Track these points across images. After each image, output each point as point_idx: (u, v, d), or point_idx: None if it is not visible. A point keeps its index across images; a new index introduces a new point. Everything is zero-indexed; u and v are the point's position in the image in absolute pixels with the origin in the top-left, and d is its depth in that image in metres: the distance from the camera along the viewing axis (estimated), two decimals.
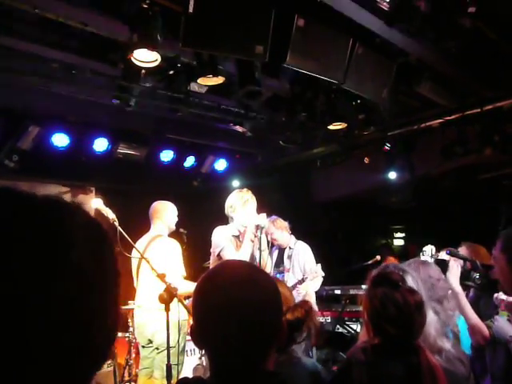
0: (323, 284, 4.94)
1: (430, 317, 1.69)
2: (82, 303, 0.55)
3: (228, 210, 3.65)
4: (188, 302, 4.64)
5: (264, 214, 3.43)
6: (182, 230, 5.48)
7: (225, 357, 1.07)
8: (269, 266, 3.57)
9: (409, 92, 4.53)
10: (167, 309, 2.52)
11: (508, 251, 2.10)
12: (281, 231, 4.71)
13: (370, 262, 5.70)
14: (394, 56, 3.96)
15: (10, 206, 0.56)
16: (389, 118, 4.90)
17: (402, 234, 9.06)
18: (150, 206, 4.12)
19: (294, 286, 4.46)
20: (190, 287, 3.93)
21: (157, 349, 3.71)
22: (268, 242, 3.49)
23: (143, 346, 3.82)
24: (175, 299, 2.61)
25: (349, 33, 3.59)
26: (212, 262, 3.64)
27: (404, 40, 3.57)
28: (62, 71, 3.76)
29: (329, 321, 5.72)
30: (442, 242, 4.19)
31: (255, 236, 3.42)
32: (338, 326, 5.61)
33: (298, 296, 4.24)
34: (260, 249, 3.36)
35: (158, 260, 3.51)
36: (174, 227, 4.06)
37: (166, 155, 5.88)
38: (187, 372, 4.23)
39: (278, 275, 4.75)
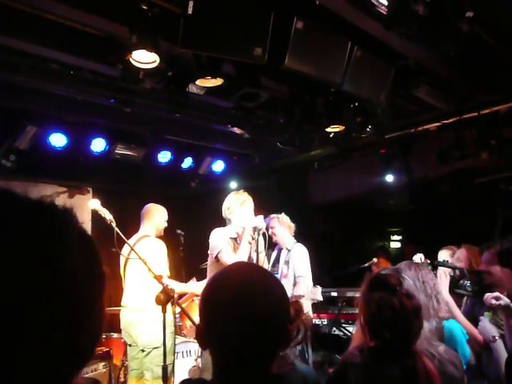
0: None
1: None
2: (70, 304, 0.57)
3: (225, 211, 3.65)
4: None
5: (261, 216, 3.44)
6: (179, 231, 5.50)
7: (230, 359, 1.07)
8: (266, 268, 3.57)
9: (406, 95, 4.55)
10: (164, 310, 2.51)
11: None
12: (282, 228, 4.69)
13: (366, 265, 5.71)
14: (392, 59, 3.98)
15: (3, 210, 0.58)
16: (386, 120, 4.92)
17: (399, 237, 9.08)
18: (144, 207, 4.17)
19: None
20: (176, 287, 3.96)
21: (142, 351, 3.72)
22: (265, 243, 3.48)
23: (130, 345, 3.84)
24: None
25: (347, 36, 3.60)
26: (209, 264, 3.63)
27: (402, 43, 3.58)
28: (61, 71, 3.75)
29: (325, 323, 5.72)
30: (438, 245, 4.22)
31: (253, 238, 3.42)
32: (334, 329, 5.60)
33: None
34: (257, 251, 3.35)
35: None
36: (162, 230, 4.10)
37: (164, 156, 5.87)
38: (182, 373, 4.22)
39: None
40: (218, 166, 6.56)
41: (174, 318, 3.81)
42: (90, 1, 3.15)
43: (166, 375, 2.48)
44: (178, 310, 4.34)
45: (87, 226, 6.09)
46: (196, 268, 5.17)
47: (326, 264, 5.26)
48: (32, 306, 0.53)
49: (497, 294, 2.32)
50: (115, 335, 4.51)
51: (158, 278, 2.60)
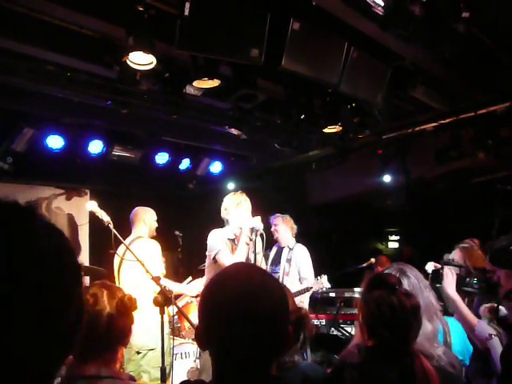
0: None
1: (423, 322, 1.68)
2: (46, 295, 0.59)
3: (223, 212, 3.66)
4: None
5: (259, 217, 3.44)
6: (177, 232, 5.50)
7: (228, 360, 1.06)
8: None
9: (403, 96, 4.55)
10: (162, 312, 2.51)
11: None
12: (285, 228, 4.84)
13: (364, 265, 5.72)
14: (389, 60, 3.98)
15: None
16: (383, 121, 4.92)
17: (397, 237, 9.09)
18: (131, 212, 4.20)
19: (299, 293, 4.50)
20: (172, 287, 3.95)
21: (138, 353, 3.72)
22: (263, 244, 3.49)
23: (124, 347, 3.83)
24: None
25: (344, 36, 3.61)
26: (207, 265, 3.64)
27: (398, 44, 3.59)
28: (57, 73, 3.74)
29: (324, 324, 5.73)
30: (435, 245, 4.22)
31: (250, 239, 3.42)
32: (332, 329, 5.61)
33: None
34: (255, 252, 3.36)
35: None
36: (154, 230, 4.13)
37: (161, 157, 5.87)
38: (181, 375, 4.22)
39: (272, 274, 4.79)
40: (216, 167, 6.56)
41: (173, 318, 3.80)
42: (87, 2, 3.15)
43: (165, 377, 2.48)
44: (175, 310, 4.34)
45: (85, 227, 6.09)
46: (194, 269, 5.17)
47: (323, 264, 5.26)
48: (6, 295, 0.55)
49: (493, 305, 2.34)
50: None
51: (156, 280, 2.59)
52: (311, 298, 5.05)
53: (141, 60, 3.19)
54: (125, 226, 3.87)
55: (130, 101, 4.16)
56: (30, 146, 4.85)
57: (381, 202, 7.17)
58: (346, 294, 5.50)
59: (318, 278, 4.75)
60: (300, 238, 5.21)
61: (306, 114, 4.47)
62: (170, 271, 6.04)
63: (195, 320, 3.47)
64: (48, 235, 0.64)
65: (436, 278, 2.69)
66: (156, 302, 2.49)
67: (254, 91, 4.13)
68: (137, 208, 4.21)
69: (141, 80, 3.65)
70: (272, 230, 4.86)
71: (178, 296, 4.76)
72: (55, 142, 4.99)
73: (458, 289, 2.59)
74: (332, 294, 5.78)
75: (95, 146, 5.26)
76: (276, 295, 1.10)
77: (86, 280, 5.15)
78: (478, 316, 2.53)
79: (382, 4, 2.98)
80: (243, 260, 3.42)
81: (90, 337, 1.46)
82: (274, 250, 5.01)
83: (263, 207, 3.96)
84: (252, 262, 3.36)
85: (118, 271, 3.93)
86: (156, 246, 3.89)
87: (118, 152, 5.43)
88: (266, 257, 4.59)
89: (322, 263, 5.26)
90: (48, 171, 5.39)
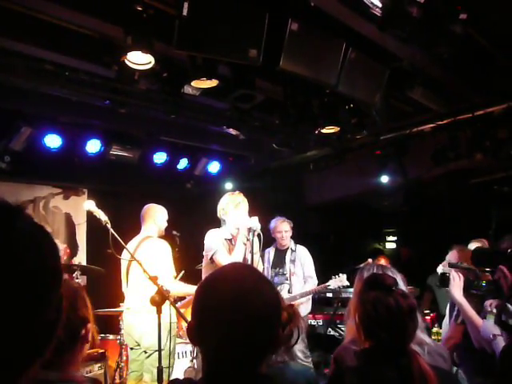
0: None
1: None
2: (23, 296, 0.60)
3: (220, 212, 3.66)
4: (180, 303, 4.66)
5: (256, 217, 3.44)
6: (174, 232, 5.48)
7: (218, 358, 1.08)
8: (260, 269, 3.58)
9: (401, 97, 4.57)
10: (159, 311, 2.51)
11: None
12: (291, 231, 4.97)
13: (361, 265, 5.71)
14: (387, 61, 3.99)
15: None
16: (381, 122, 4.94)
17: (394, 238, 9.10)
18: (143, 207, 4.14)
19: (317, 291, 4.79)
20: (181, 288, 3.94)
21: (145, 352, 3.71)
22: (260, 244, 3.49)
23: (131, 348, 3.82)
24: (167, 301, 2.61)
25: (342, 37, 3.62)
26: (204, 266, 3.64)
27: (396, 45, 3.60)
28: (56, 72, 3.75)
29: (321, 324, 5.74)
30: (433, 246, 4.23)
31: (247, 239, 3.42)
32: (329, 329, 5.62)
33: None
34: (252, 252, 3.36)
35: (147, 261, 3.52)
36: (163, 230, 4.07)
37: (159, 157, 5.87)
38: (178, 374, 4.22)
39: (276, 277, 4.83)
40: (214, 167, 6.56)
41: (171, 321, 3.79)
42: (85, 2, 3.15)
43: (162, 377, 2.48)
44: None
45: (82, 226, 6.09)
46: (191, 269, 5.17)
47: (320, 264, 5.27)
48: None
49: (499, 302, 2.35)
50: (111, 337, 4.52)
51: (153, 279, 2.60)
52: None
53: (139, 60, 3.19)
54: (123, 226, 3.86)
55: (128, 100, 4.16)
56: (28, 144, 4.85)
57: (378, 203, 7.19)
58: (343, 295, 5.50)
59: (337, 276, 4.88)
60: (298, 238, 5.22)
61: (304, 114, 4.48)
62: None
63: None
64: (29, 236, 0.64)
65: (443, 281, 2.69)
66: (153, 302, 2.50)
67: (252, 91, 4.14)
68: (149, 205, 4.09)
69: (139, 80, 3.65)
70: (282, 235, 4.93)
71: (183, 297, 4.76)
72: (53, 141, 4.99)
73: (467, 292, 2.58)
74: (329, 295, 5.79)
75: (93, 146, 5.25)
76: (268, 295, 1.11)
77: (84, 279, 5.15)
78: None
79: (380, 5, 2.99)
80: (240, 260, 3.42)
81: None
82: (273, 251, 5.02)
83: (261, 207, 3.97)
84: (249, 262, 3.37)
85: (127, 273, 3.88)
86: (167, 247, 3.85)
87: (115, 151, 5.43)
88: (262, 257, 4.60)
89: (320, 263, 5.27)
90: (46, 170, 5.39)
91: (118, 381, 4.44)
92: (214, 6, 3.07)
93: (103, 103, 4.21)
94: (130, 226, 4.16)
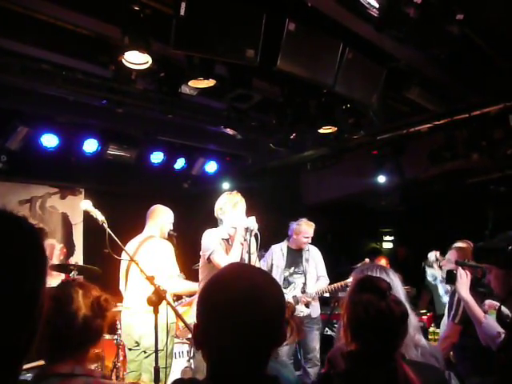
0: None
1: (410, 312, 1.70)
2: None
3: (217, 212, 3.65)
4: (184, 300, 4.67)
5: (253, 217, 3.44)
6: (171, 232, 5.48)
7: (224, 359, 1.07)
8: None
9: (398, 97, 4.57)
10: (156, 311, 2.51)
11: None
12: None
13: (359, 265, 5.72)
14: (384, 61, 4.00)
15: None
16: (378, 122, 4.95)
17: (391, 237, 9.11)
18: (140, 207, 4.17)
19: (336, 288, 4.88)
20: (186, 286, 3.95)
21: (144, 352, 3.71)
22: (257, 244, 3.49)
23: (130, 349, 3.81)
24: (163, 302, 2.61)
25: (339, 38, 3.62)
26: (201, 266, 3.63)
27: (393, 45, 3.61)
28: (52, 72, 3.74)
29: None
30: (430, 245, 4.25)
31: (245, 239, 3.42)
32: (326, 329, 5.63)
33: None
34: (249, 252, 3.36)
35: (149, 261, 3.52)
36: (166, 233, 4.07)
37: (157, 157, 5.86)
38: (175, 374, 4.22)
39: (291, 276, 4.96)
40: (211, 166, 6.56)
41: (173, 321, 3.78)
42: (82, 1, 3.14)
43: (158, 377, 2.48)
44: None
45: (79, 226, 6.08)
46: (188, 269, 5.17)
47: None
48: None
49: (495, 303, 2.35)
50: (107, 336, 4.50)
51: (150, 279, 2.59)
52: None
53: (136, 59, 3.19)
54: (119, 226, 3.84)
55: (125, 100, 4.15)
56: (25, 144, 4.84)
57: (375, 202, 7.20)
58: (340, 294, 5.51)
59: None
60: None
61: (301, 114, 4.49)
62: None
63: (189, 320, 3.46)
64: (16, 235, 0.65)
65: (450, 279, 2.69)
66: (150, 302, 2.49)
67: (249, 91, 4.14)
68: (155, 205, 4.12)
69: (136, 79, 3.65)
70: (308, 240, 4.97)
71: (180, 297, 4.76)
72: (50, 140, 4.98)
73: (473, 290, 2.58)
74: (326, 294, 5.79)
75: (90, 145, 5.25)
76: (274, 295, 1.11)
77: (80, 279, 5.14)
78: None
79: (377, 6, 2.99)
80: (238, 260, 3.42)
81: (64, 336, 1.47)
82: (285, 250, 5.02)
83: (258, 207, 3.97)
84: (246, 262, 3.37)
85: (127, 272, 3.88)
86: (169, 246, 3.87)
87: (112, 151, 5.42)
88: (260, 257, 4.60)
89: (322, 266, 5.28)
90: (42, 170, 5.38)
91: (114, 381, 4.44)
92: (211, 6, 3.07)
93: (100, 103, 4.21)
94: (126, 225, 4.15)
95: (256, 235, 3.43)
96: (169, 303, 2.70)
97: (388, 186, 6.43)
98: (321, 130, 4.77)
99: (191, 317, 3.73)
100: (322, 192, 7.29)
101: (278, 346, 1.13)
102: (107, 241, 3.00)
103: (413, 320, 1.79)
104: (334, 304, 5.73)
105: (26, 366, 2.36)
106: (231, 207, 3.60)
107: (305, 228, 4.97)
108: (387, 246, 9.07)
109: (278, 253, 5.02)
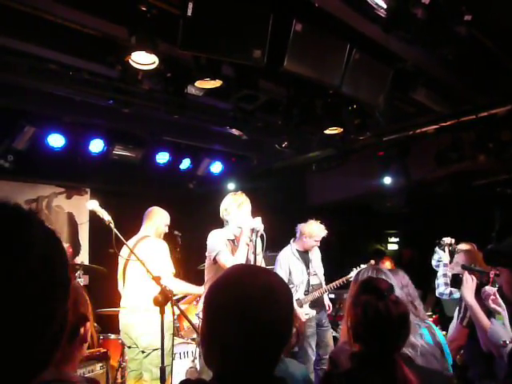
0: None
1: None
2: (30, 308, 0.58)
3: (223, 213, 3.65)
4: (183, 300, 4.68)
5: (259, 218, 3.43)
6: (176, 232, 5.49)
7: (231, 359, 1.06)
8: None
9: (404, 98, 4.55)
10: (162, 311, 2.51)
11: None
12: None
13: (364, 267, 5.71)
14: (391, 62, 3.99)
15: None
16: (384, 123, 4.93)
17: (396, 239, 9.09)
18: (146, 207, 4.19)
19: (338, 284, 4.91)
20: (181, 287, 3.96)
21: (142, 352, 3.73)
22: (263, 245, 3.48)
23: (129, 347, 3.84)
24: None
25: (346, 38, 3.61)
26: (207, 266, 3.63)
27: (400, 46, 3.59)
28: (59, 72, 3.75)
29: None
30: (435, 247, 4.22)
31: (250, 240, 3.41)
32: (332, 331, 5.60)
33: None
34: (255, 253, 3.35)
35: (145, 261, 3.53)
36: (162, 233, 4.10)
37: (162, 157, 5.87)
38: (180, 375, 4.22)
39: (310, 277, 5.00)
40: (216, 167, 6.56)
41: (173, 319, 3.81)
42: (90, 2, 3.15)
43: (164, 376, 2.48)
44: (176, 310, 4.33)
45: (85, 226, 6.09)
46: (193, 269, 5.17)
47: (323, 266, 5.27)
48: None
49: (494, 296, 2.33)
50: (112, 336, 4.51)
51: (157, 280, 2.59)
52: None
53: (143, 60, 3.19)
54: (125, 225, 3.86)
55: (131, 100, 4.16)
56: (31, 144, 4.86)
57: (381, 204, 7.17)
58: (345, 296, 5.50)
59: (358, 267, 4.89)
60: None
61: (307, 115, 4.48)
62: None
63: (195, 320, 3.46)
64: (42, 244, 0.62)
65: (456, 283, 2.69)
66: (156, 302, 2.49)
67: (255, 92, 4.13)
68: (153, 208, 4.16)
69: (143, 80, 3.65)
70: (314, 244, 4.98)
71: (186, 296, 4.77)
72: (56, 140, 5.00)
73: (479, 295, 2.57)
74: (331, 296, 5.79)
75: (96, 145, 5.26)
76: (283, 295, 1.10)
77: (86, 279, 5.15)
78: None
79: (385, 6, 2.98)
80: (243, 261, 3.41)
81: None
82: (297, 254, 5.01)
83: (263, 208, 3.96)
84: (252, 262, 3.36)
85: (124, 272, 3.91)
86: (164, 245, 3.89)
87: (118, 151, 5.43)
88: (266, 258, 4.59)
89: (322, 264, 5.27)
90: (49, 170, 5.39)
91: (119, 380, 4.45)
92: (218, 7, 3.07)
93: (107, 103, 4.21)
94: (132, 225, 4.16)
95: (262, 236, 3.42)
96: (175, 303, 2.70)
97: (394, 188, 6.40)
98: (327, 131, 4.76)
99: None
100: (327, 193, 7.28)
101: (287, 349, 1.13)
102: (114, 240, 3.01)
103: (412, 320, 1.80)
104: (339, 305, 5.71)
105: None
106: (236, 208, 3.59)
107: (318, 232, 4.93)
108: (392, 247, 9.04)
109: (292, 258, 4.97)
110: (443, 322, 4.68)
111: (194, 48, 3.16)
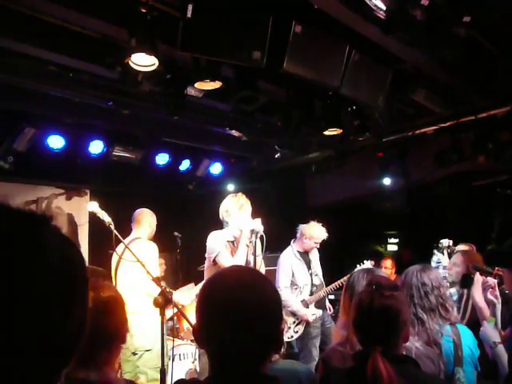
0: None
1: None
2: (47, 308, 0.60)
3: (223, 214, 3.65)
4: None
5: (259, 219, 3.44)
6: (176, 233, 5.50)
7: (222, 359, 1.09)
8: (262, 271, 3.57)
9: (404, 99, 4.56)
10: (162, 313, 2.51)
11: None
12: None
13: (363, 267, 5.71)
14: (390, 63, 3.99)
15: None
16: (384, 124, 4.93)
17: (396, 240, 9.09)
18: (136, 211, 4.19)
19: (338, 286, 4.90)
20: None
21: (134, 353, 3.72)
22: (262, 247, 3.48)
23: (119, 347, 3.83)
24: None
25: (345, 40, 3.62)
26: (207, 267, 3.63)
27: (400, 48, 3.59)
28: (59, 73, 3.75)
29: None
30: (435, 248, 4.23)
31: (250, 241, 3.42)
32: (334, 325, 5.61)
33: None
34: (255, 254, 3.35)
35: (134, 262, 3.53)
36: (152, 234, 4.11)
37: (162, 158, 5.87)
38: (180, 376, 4.22)
39: (314, 278, 5.02)
40: (216, 168, 6.56)
41: (172, 320, 3.81)
42: (90, 3, 3.15)
43: (164, 378, 2.48)
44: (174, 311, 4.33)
45: (84, 227, 6.09)
46: (193, 270, 5.17)
47: (322, 267, 5.27)
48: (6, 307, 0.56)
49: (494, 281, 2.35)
50: None
51: (157, 281, 2.60)
52: None
53: (143, 61, 3.19)
54: (125, 227, 3.87)
55: (131, 102, 4.16)
56: (31, 145, 4.86)
57: (380, 205, 7.18)
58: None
59: (361, 263, 5.00)
60: None
61: (307, 116, 4.48)
62: (169, 272, 6.04)
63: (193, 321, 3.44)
64: (58, 248, 0.64)
65: (465, 283, 2.68)
66: (156, 303, 2.49)
67: (255, 93, 4.14)
68: (143, 209, 4.18)
69: (142, 81, 3.66)
70: (314, 246, 5.00)
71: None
72: (56, 141, 5.00)
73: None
74: (331, 297, 5.78)
75: (96, 147, 5.26)
76: (269, 296, 1.13)
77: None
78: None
79: (384, 8, 2.98)
80: (243, 262, 3.42)
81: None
82: (299, 255, 5.02)
83: (263, 209, 3.96)
84: (252, 264, 3.36)
85: (116, 271, 3.92)
86: (154, 248, 3.90)
87: (118, 152, 5.44)
88: (266, 259, 4.60)
89: (321, 265, 5.27)
90: (49, 171, 5.40)
91: None
92: (218, 8, 3.08)
93: (106, 104, 4.22)
94: (131, 226, 4.17)
95: (261, 237, 3.42)
96: (175, 305, 2.70)
97: (393, 189, 6.40)
98: (326, 132, 4.76)
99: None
100: (326, 194, 7.28)
101: (278, 347, 1.15)
102: (114, 242, 3.01)
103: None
104: (339, 306, 5.70)
105: None
106: (237, 209, 3.59)
107: (318, 235, 4.95)
108: (392, 248, 9.04)
109: (294, 259, 4.98)
110: None
111: (194, 49, 3.17)
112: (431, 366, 1.86)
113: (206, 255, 3.59)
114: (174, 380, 3.66)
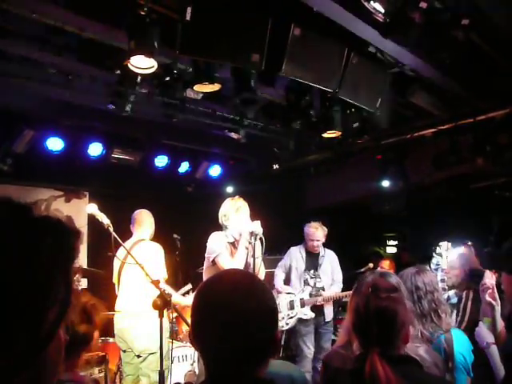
0: None
1: None
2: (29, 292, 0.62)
3: (222, 218, 3.65)
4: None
5: (258, 221, 3.44)
6: (175, 235, 5.50)
7: (217, 361, 1.10)
8: (262, 273, 3.57)
9: (402, 101, 4.57)
10: (161, 315, 2.51)
11: None
12: (324, 239, 5.07)
13: (362, 270, 5.72)
14: (389, 66, 4.00)
15: None
16: (382, 126, 4.94)
17: (395, 242, 9.08)
18: (135, 212, 4.19)
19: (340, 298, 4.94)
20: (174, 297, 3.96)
21: (138, 356, 3.72)
22: (262, 249, 3.49)
23: (124, 351, 3.83)
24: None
25: (344, 42, 3.62)
26: (205, 268, 3.63)
27: (398, 50, 3.61)
28: (59, 76, 3.76)
29: None
30: (433, 250, 4.23)
31: (249, 243, 3.42)
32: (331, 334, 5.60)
33: None
34: (254, 256, 3.36)
35: (142, 263, 3.53)
36: (152, 235, 4.13)
37: (161, 160, 5.88)
38: (179, 378, 4.22)
39: (310, 279, 5.04)
40: (215, 170, 6.57)
41: (171, 323, 3.81)
42: (89, 6, 3.16)
43: (163, 380, 2.48)
44: (174, 314, 4.33)
45: (83, 229, 6.09)
46: (192, 272, 5.17)
47: None
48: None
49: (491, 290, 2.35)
50: (111, 340, 4.50)
51: (155, 283, 2.60)
52: None
53: (142, 64, 3.20)
54: (124, 229, 3.86)
55: (130, 104, 4.16)
56: (30, 147, 4.86)
57: (379, 207, 7.18)
58: (344, 299, 5.50)
59: (363, 267, 5.05)
60: (299, 242, 5.22)
61: (306, 118, 4.49)
62: (169, 274, 6.03)
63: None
64: (43, 232, 0.67)
65: (473, 279, 2.70)
66: (155, 306, 2.49)
67: (254, 96, 4.14)
68: (142, 210, 4.17)
69: (142, 83, 3.66)
70: (317, 244, 5.00)
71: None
72: (55, 143, 5.01)
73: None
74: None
75: (95, 149, 5.27)
76: (264, 301, 1.13)
77: (84, 282, 5.15)
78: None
79: (383, 11, 2.99)
80: (242, 264, 3.42)
81: None
82: (304, 254, 5.04)
83: (262, 211, 3.96)
84: (251, 266, 3.36)
85: (119, 275, 3.91)
86: (160, 249, 3.90)
87: (117, 154, 5.44)
88: (265, 261, 4.60)
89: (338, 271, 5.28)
90: (47, 173, 5.40)
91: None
92: (216, 11, 3.09)
93: (105, 107, 4.22)
94: (130, 228, 4.17)
95: (261, 239, 3.42)
96: (174, 307, 2.70)
97: (392, 191, 6.41)
98: (325, 135, 4.77)
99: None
100: (325, 196, 7.29)
101: (274, 351, 1.14)
102: (112, 244, 3.01)
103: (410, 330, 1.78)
104: (338, 309, 5.72)
105: None
106: (234, 212, 3.59)
107: (309, 232, 5.00)
108: (391, 250, 9.04)
109: (297, 255, 5.10)
110: None
111: (193, 52, 3.18)
112: (435, 371, 1.84)
113: (206, 255, 3.59)
114: (173, 382, 3.68)
